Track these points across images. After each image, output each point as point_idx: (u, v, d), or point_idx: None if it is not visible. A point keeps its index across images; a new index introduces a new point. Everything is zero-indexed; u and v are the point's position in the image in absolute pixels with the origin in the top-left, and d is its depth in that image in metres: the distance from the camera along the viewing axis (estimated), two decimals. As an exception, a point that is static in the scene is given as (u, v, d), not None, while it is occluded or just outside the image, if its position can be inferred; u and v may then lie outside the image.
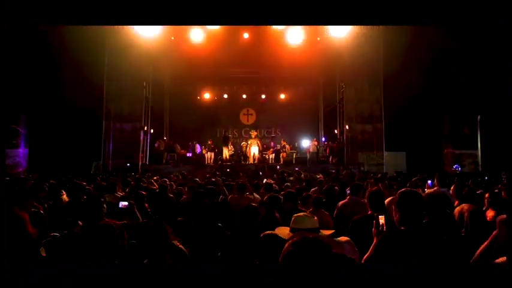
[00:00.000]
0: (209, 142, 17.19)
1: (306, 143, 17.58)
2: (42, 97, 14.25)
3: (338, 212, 4.63)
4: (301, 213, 2.79)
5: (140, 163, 15.44)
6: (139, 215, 4.45)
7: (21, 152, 15.15)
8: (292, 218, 2.73)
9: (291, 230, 2.62)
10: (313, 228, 2.59)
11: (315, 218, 2.69)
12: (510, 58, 2.32)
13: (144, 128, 16.13)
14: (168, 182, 7.32)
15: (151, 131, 17.27)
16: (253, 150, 16.59)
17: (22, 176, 11.12)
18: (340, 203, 4.75)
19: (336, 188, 5.99)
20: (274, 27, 14.19)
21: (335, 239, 2.66)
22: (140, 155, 15.70)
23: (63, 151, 14.34)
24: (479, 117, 15.87)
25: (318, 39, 14.80)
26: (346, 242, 2.64)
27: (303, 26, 14.09)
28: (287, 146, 17.67)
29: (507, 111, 2.29)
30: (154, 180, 8.94)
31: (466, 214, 3.95)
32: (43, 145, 14.67)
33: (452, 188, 4.74)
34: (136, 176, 10.42)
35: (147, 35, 14.15)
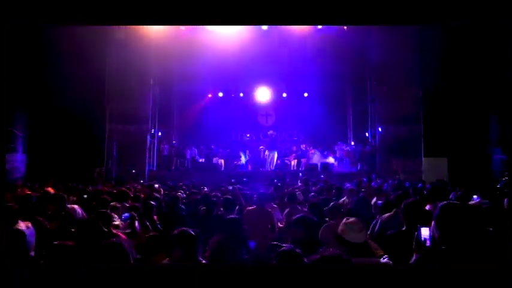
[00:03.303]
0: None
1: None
2: (40, 98, 14.66)
3: (381, 227, 4.57)
4: (354, 222, 2.84)
5: (147, 169, 15.67)
6: (137, 227, 4.61)
7: (19, 156, 15.61)
8: (343, 226, 2.78)
9: (337, 240, 2.69)
10: (358, 243, 2.64)
11: (363, 231, 2.75)
12: (510, 58, 2.42)
13: (151, 130, 16.37)
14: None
15: (159, 133, 17.52)
16: (272, 154, 16.63)
17: (19, 182, 11.50)
18: (384, 216, 4.71)
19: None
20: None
21: (382, 260, 2.70)
22: (147, 160, 15.93)
23: (64, 156, 14.69)
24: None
25: (345, 28, 14.77)
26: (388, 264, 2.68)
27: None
28: (310, 151, 17.65)
29: (507, 112, 2.38)
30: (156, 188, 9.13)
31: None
32: (42, 149, 15.07)
33: (506, 200, 4.67)
34: (145, 184, 10.63)
35: (154, 29, 14.42)
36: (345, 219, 2.92)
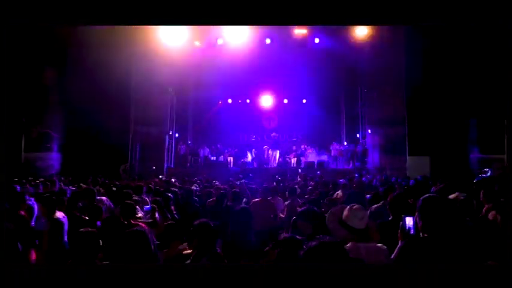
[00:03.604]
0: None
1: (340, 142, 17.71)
2: (74, 103, 14.73)
3: (370, 217, 4.55)
4: (357, 209, 2.74)
5: (165, 166, 15.74)
6: (157, 218, 4.62)
7: (54, 155, 15.72)
8: (347, 212, 2.70)
9: (340, 224, 2.63)
10: (359, 229, 2.59)
11: (365, 218, 2.68)
12: (510, 58, 2.32)
13: (169, 132, 16.43)
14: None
15: (176, 135, 17.59)
16: (274, 153, 16.63)
17: (55, 178, 11.56)
18: (373, 207, 4.70)
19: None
20: (296, 31, 14.26)
21: (377, 244, 2.65)
22: (165, 158, 16.01)
23: (93, 154, 14.75)
24: (506, 121, 15.23)
25: (339, 42, 14.74)
26: (384, 250, 2.62)
27: (323, 29, 14.11)
28: (308, 150, 17.61)
29: (507, 112, 2.30)
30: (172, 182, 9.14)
31: (499, 220, 3.84)
32: (75, 149, 15.16)
33: (481, 192, 4.64)
34: (163, 179, 10.66)
35: (173, 42, 14.49)
36: (349, 206, 2.79)
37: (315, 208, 3.69)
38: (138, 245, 2.37)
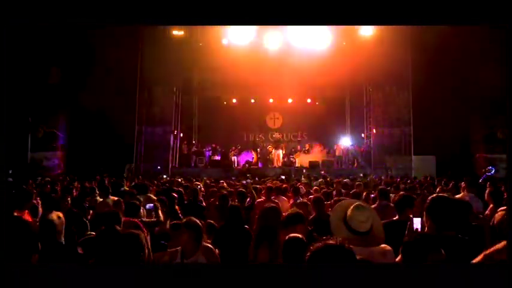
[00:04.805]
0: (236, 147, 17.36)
1: (346, 141, 17.50)
2: (80, 104, 14.81)
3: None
4: (360, 211, 2.56)
5: (170, 166, 15.76)
6: (161, 216, 4.60)
7: (60, 154, 15.79)
8: (351, 212, 2.54)
9: (344, 221, 2.54)
10: (363, 232, 2.51)
11: (369, 221, 2.54)
12: (510, 58, 2.30)
13: (174, 132, 16.45)
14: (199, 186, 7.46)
15: (181, 135, 17.60)
16: (278, 152, 16.60)
17: (60, 178, 11.60)
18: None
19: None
20: (300, 31, 14.21)
21: (380, 246, 2.56)
22: (170, 158, 16.03)
23: (99, 154, 14.81)
24: (506, 121, 15.06)
25: (344, 43, 14.68)
26: (389, 251, 2.54)
27: (329, 29, 14.05)
28: (312, 149, 17.53)
29: (507, 112, 2.28)
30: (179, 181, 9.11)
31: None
32: (80, 148, 15.22)
33: (486, 192, 4.60)
34: (168, 179, 10.66)
35: (178, 42, 14.52)
36: (354, 205, 2.60)
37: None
38: (131, 248, 2.31)
